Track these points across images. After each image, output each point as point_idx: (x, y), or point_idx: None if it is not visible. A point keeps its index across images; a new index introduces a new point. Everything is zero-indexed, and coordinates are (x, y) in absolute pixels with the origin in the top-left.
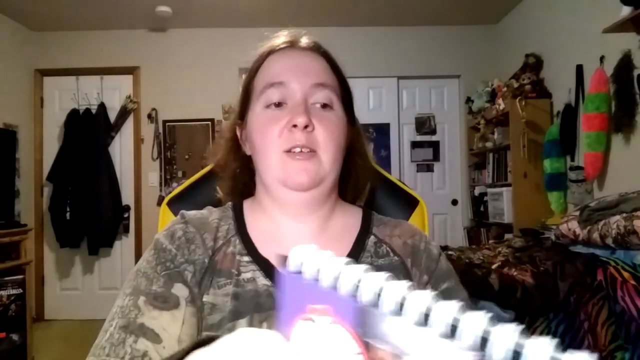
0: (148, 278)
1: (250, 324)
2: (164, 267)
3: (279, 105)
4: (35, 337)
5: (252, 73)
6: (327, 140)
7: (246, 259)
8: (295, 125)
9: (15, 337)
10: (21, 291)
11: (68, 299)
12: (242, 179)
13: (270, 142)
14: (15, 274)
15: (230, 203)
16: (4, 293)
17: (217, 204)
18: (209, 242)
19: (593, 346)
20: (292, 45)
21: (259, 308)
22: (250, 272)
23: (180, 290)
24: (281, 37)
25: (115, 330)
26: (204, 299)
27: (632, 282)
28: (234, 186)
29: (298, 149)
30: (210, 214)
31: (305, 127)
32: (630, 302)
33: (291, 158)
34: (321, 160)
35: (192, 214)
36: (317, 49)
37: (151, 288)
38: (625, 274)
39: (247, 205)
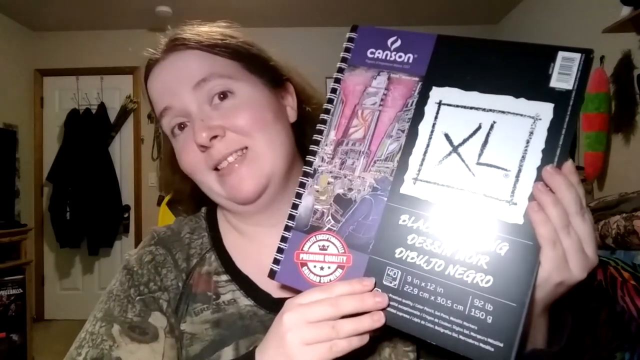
0: (121, 303)
1: (237, 352)
2: (137, 290)
3: (182, 126)
4: (35, 337)
5: (149, 100)
6: (248, 128)
7: (224, 277)
8: (203, 145)
9: (15, 337)
10: (21, 291)
11: (68, 299)
12: (199, 195)
13: (195, 170)
14: (15, 274)
15: (203, 209)
16: (4, 293)
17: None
18: (181, 263)
19: (593, 346)
20: (158, 58)
21: (245, 333)
22: (229, 292)
23: (157, 320)
24: (150, 51)
25: None
26: (182, 328)
27: (632, 282)
28: (197, 204)
29: (225, 162)
30: (181, 227)
31: (214, 137)
32: (630, 302)
33: (224, 174)
34: (257, 152)
35: (162, 231)
36: (183, 44)
37: (126, 316)
38: (625, 274)
39: (222, 209)
